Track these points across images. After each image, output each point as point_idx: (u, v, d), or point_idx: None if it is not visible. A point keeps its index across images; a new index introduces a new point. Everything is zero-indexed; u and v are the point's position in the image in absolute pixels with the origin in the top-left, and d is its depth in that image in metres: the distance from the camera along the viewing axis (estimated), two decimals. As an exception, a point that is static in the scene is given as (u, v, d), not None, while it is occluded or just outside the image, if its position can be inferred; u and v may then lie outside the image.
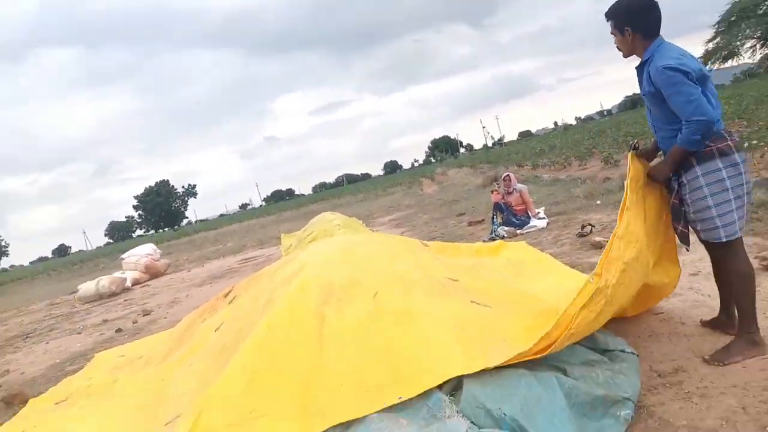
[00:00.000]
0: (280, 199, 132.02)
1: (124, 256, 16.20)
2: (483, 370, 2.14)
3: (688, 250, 2.96)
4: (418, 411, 2.03)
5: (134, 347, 6.03)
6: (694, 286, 3.58)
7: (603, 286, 2.43)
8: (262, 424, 2.11)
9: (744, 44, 46.29)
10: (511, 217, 7.97)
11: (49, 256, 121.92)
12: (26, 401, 4.86)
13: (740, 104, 17.80)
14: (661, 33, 2.74)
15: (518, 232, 7.62)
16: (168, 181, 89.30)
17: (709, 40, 48.38)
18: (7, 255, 74.91)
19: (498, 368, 2.16)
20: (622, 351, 2.57)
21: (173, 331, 5.51)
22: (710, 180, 2.59)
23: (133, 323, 8.32)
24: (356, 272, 3.01)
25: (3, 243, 72.65)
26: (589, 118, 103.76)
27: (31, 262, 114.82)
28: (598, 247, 5.52)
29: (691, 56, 2.74)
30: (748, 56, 48.12)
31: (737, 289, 2.67)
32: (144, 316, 8.74)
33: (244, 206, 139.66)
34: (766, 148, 7.85)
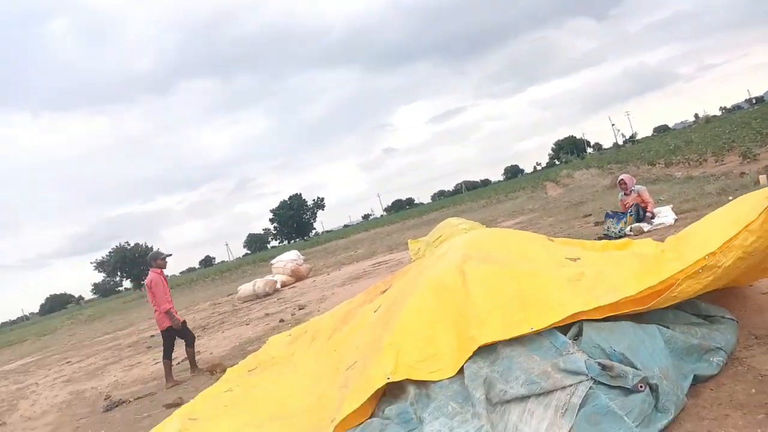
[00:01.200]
0: (401, 208, 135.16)
1: (273, 261, 18.27)
2: (599, 321, 2.78)
3: None
4: (548, 350, 2.72)
5: (299, 328, 7.18)
6: (810, 269, 3.84)
7: (713, 265, 2.81)
8: (439, 359, 2.95)
9: None
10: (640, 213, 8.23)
11: (196, 266, 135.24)
12: (224, 370, 6.20)
13: None
14: None
15: (645, 229, 7.83)
16: (300, 194, 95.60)
17: None
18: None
19: (611, 320, 2.78)
20: (723, 317, 3.05)
21: (333, 313, 6.58)
22: None
23: (292, 315, 9.73)
24: (489, 248, 3.82)
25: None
26: (737, 108, 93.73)
27: (180, 272, 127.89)
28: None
29: None
30: None
31: None
32: (300, 309, 10.14)
33: (366, 216, 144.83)
34: None
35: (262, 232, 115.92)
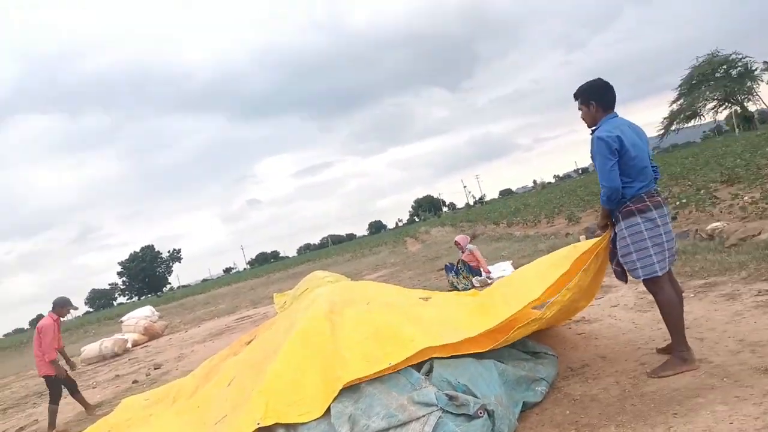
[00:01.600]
0: (265, 261, 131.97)
1: (123, 318, 16.91)
2: (447, 358, 3.22)
3: (626, 283, 3.70)
4: (405, 386, 3.07)
5: (157, 391, 6.82)
6: (612, 314, 4.73)
7: (539, 318, 3.52)
8: (307, 402, 3.13)
9: (705, 105, 49.84)
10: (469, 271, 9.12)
11: (26, 327, 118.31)
12: (70, 438, 5.70)
13: (695, 163, 19.75)
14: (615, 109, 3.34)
15: (489, 282, 8.74)
16: (153, 246, 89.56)
17: (674, 101, 51.78)
18: (-18, 326, 72.90)
19: (456, 358, 3.23)
20: (546, 353, 3.68)
21: (196, 372, 6.38)
22: (631, 232, 3.23)
23: (147, 375, 9.11)
24: (352, 295, 4.20)
25: (-19, 314, 70.76)
26: (567, 176, 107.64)
27: (5, 335, 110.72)
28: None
29: (634, 131, 3.28)
30: (710, 116, 51.47)
31: (665, 317, 3.26)
32: (155, 369, 9.52)
33: (228, 270, 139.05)
34: (692, 206, 9.32)
35: (107, 287, 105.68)
